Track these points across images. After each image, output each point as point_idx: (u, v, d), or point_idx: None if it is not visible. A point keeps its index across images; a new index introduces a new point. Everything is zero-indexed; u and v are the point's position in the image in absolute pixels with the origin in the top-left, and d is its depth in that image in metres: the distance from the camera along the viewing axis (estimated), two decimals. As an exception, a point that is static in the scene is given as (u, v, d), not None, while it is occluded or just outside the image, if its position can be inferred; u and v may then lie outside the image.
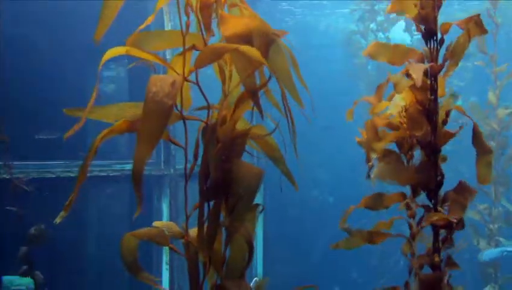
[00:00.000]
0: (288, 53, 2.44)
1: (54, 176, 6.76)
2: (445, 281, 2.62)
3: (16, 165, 6.33)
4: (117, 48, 2.35)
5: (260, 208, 2.51)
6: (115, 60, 8.45)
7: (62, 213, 2.39)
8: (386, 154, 2.73)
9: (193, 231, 2.46)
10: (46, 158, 6.89)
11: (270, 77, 2.40)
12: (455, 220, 2.56)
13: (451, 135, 2.67)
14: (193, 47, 2.37)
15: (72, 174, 6.65)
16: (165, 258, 7.39)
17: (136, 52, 2.38)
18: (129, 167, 7.47)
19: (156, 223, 2.52)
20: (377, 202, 2.75)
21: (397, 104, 2.64)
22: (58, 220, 2.39)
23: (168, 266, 7.40)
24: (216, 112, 2.45)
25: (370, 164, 2.70)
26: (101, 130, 2.39)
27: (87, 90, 7.64)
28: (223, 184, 2.36)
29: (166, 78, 2.22)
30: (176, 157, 7.55)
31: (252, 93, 2.38)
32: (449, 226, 2.62)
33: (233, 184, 2.36)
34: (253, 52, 2.24)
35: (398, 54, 2.70)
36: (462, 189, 2.65)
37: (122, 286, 8.19)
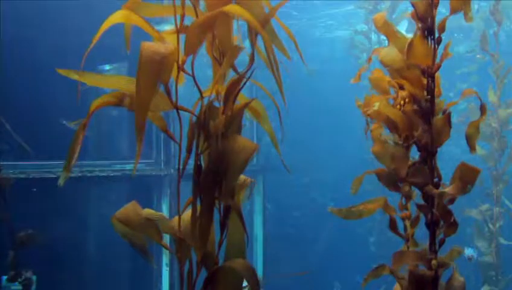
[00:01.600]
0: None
1: (54, 176, 6.75)
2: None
3: (16, 165, 6.33)
4: (118, 13, 2.34)
5: (252, 184, 2.51)
6: (115, 60, 8.45)
7: (64, 174, 2.36)
8: (383, 140, 2.73)
9: (184, 226, 2.43)
10: (46, 158, 6.88)
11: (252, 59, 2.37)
12: (465, 191, 2.56)
13: (448, 136, 2.65)
14: (185, 29, 2.36)
15: (72, 174, 6.62)
16: (165, 259, 7.38)
17: (135, 19, 2.37)
18: (129, 167, 7.49)
19: (146, 211, 2.47)
20: (387, 179, 2.75)
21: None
22: (61, 181, 2.36)
23: (168, 267, 7.39)
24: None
25: (368, 112, 2.71)
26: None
27: (88, 91, 7.58)
28: (216, 178, 2.34)
29: (158, 43, 2.27)
30: (176, 157, 7.54)
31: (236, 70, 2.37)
32: (448, 211, 2.61)
33: (228, 163, 2.34)
34: (236, 9, 2.25)
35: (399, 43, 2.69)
36: (463, 170, 2.64)
37: (123, 286, 8.18)
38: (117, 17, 2.35)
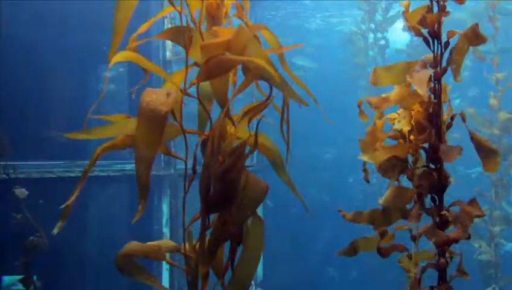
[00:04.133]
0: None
1: (54, 176, 6.75)
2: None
3: (16, 165, 6.33)
4: (121, 53, 2.35)
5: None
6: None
7: (59, 223, 2.40)
8: (388, 167, 2.72)
9: (190, 243, 2.45)
10: (46, 158, 6.89)
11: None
12: (458, 239, 2.56)
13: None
14: (195, 64, 2.37)
15: (72, 174, 6.65)
16: (165, 259, 7.38)
17: (137, 59, 2.38)
18: (129, 167, 7.49)
19: (148, 243, 2.50)
20: (382, 218, 2.74)
21: (402, 122, 2.63)
22: (55, 230, 2.40)
23: (168, 266, 7.39)
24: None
25: (364, 168, 2.71)
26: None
27: (88, 90, 7.64)
28: (226, 198, 2.35)
29: (160, 90, 2.23)
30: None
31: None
32: (450, 244, 2.61)
33: (238, 197, 2.36)
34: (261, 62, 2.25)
35: (399, 72, 2.68)
36: (470, 206, 2.63)
37: (122, 287, 8.18)
38: (122, 56, 2.36)
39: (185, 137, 2.40)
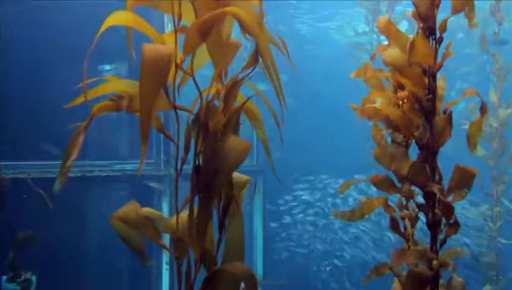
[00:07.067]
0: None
1: (54, 176, 6.74)
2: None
3: (16, 165, 6.33)
4: (117, 14, 2.31)
5: (252, 185, 2.52)
6: (115, 59, 8.45)
7: (60, 179, 2.35)
8: (384, 141, 2.73)
9: (182, 225, 2.41)
10: (46, 158, 6.88)
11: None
12: (463, 195, 2.56)
13: (449, 136, 2.64)
14: (183, 28, 2.35)
15: (72, 174, 6.64)
16: (165, 258, 7.39)
17: (134, 23, 2.35)
18: (129, 167, 7.50)
19: (146, 209, 2.46)
20: (384, 184, 2.75)
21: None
22: (57, 186, 2.35)
23: (168, 267, 7.39)
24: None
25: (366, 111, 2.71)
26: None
27: (89, 89, 7.57)
28: (213, 174, 2.33)
29: (160, 44, 2.25)
30: (175, 157, 7.55)
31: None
32: (449, 211, 2.60)
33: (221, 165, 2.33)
34: (235, 10, 2.24)
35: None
36: (461, 172, 2.64)
37: (122, 285, 8.18)
38: (116, 18, 2.32)
39: (176, 113, 2.38)
